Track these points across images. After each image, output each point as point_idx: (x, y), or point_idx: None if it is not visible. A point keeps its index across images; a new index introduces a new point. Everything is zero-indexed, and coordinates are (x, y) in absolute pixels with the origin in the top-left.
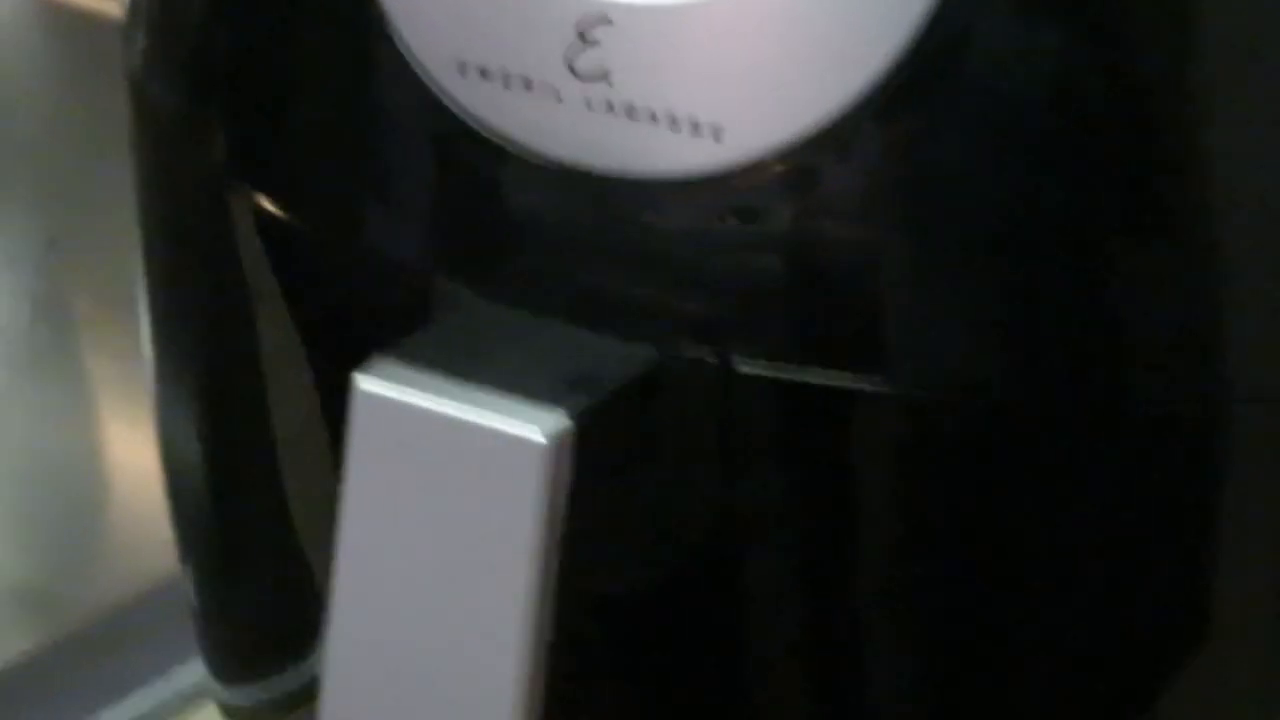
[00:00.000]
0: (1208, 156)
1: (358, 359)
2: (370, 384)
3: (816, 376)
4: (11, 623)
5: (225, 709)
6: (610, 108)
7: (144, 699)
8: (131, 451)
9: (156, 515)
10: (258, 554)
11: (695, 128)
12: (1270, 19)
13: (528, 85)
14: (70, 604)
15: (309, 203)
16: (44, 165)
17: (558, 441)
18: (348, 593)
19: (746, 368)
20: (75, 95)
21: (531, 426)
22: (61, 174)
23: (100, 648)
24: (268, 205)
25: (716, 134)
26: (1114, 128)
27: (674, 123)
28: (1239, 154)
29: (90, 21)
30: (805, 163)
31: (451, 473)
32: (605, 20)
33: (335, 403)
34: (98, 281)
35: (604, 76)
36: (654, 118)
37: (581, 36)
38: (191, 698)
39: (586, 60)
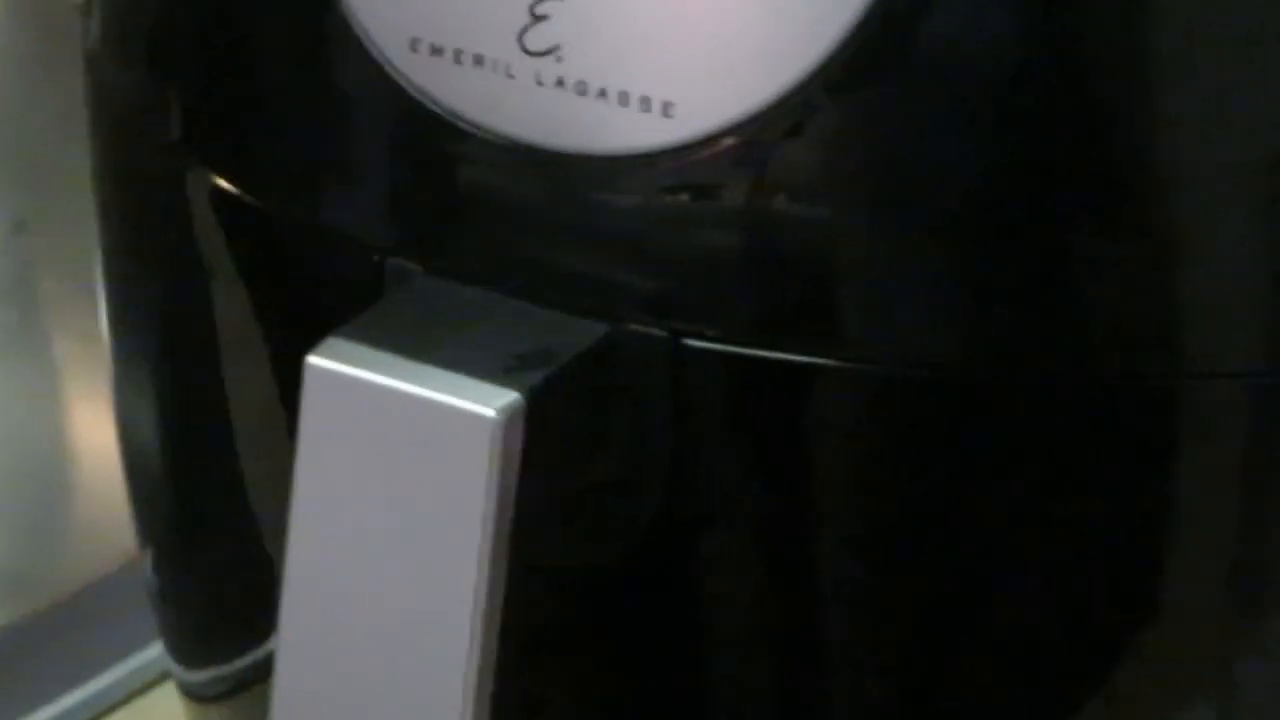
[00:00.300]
0: (1164, 129)
1: (313, 338)
2: (322, 361)
3: (767, 351)
4: None
5: (184, 688)
6: (560, 83)
7: (106, 679)
8: (97, 433)
9: (121, 497)
10: (214, 536)
11: (645, 103)
12: None
13: (479, 61)
14: (34, 585)
15: (264, 180)
16: (11, 147)
17: (508, 416)
18: (300, 572)
19: (697, 343)
20: (44, 76)
21: (482, 402)
22: (29, 156)
23: (63, 629)
24: (223, 183)
25: (667, 109)
26: (1067, 101)
27: (624, 98)
28: (1194, 127)
29: (57, 1)
30: (756, 138)
31: (403, 449)
32: None
33: (290, 382)
34: (65, 264)
35: (554, 52)
36: (604, 94)
37: (532, 12)
38: (153, 678)
39: (537, 36)
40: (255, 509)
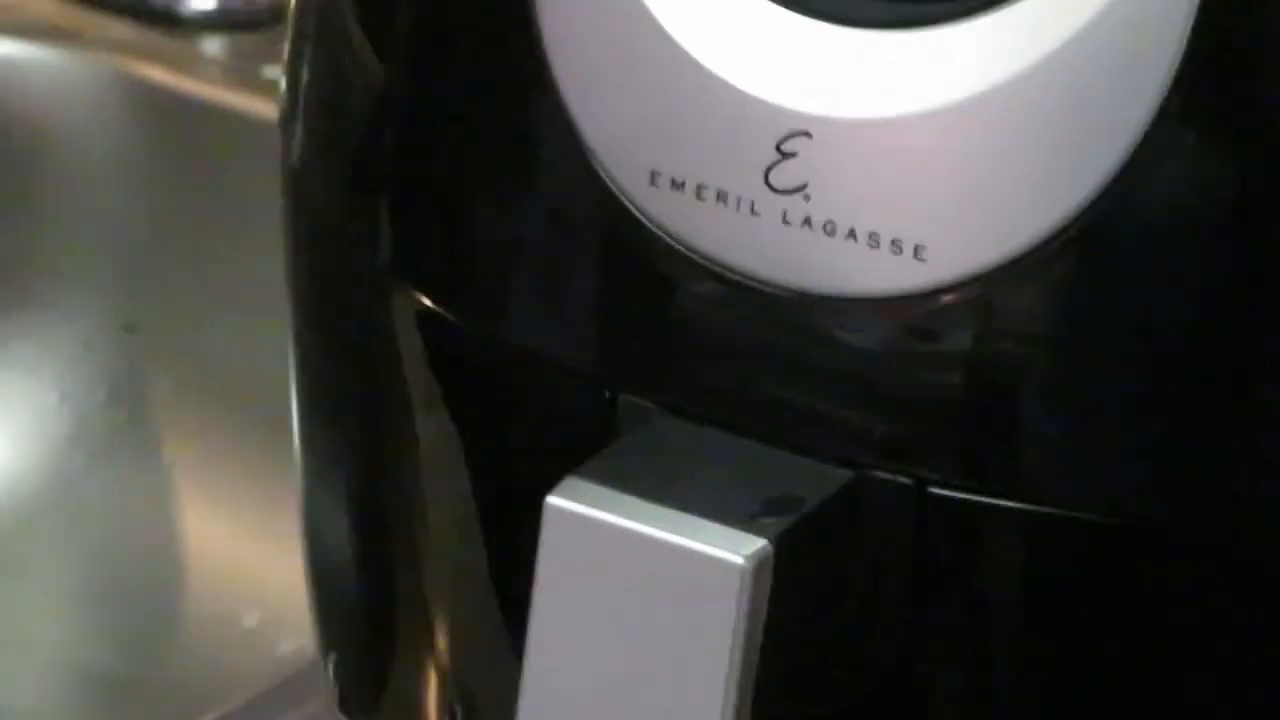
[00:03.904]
0: None
1: (535, 472)
2: (563, 502)
3: (1011, 501)
4: (90, 707)
5: None
6: (808, 222)
7: None
8: (208, 534)
9: (234, 598)
10: (403, 655)
11: (896, 246)
12: None
13: (722, 197)
14: (149, 688)
15: (479, 306)
16: (123, 248)
17: (757, 563)
18: (535, 714)
19: (943, 491)
20: (157, 176)
21: (731, 549)
22: (139, 257)
23: None
24: (433, 305)
25: (918, 253)
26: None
27: (874, 240)
28: None
29: (173, 101)
30: (1007, 285)
31: (646, 593)
32: (804, 133)
33: (495, 509)
34: (175, 364)
35: (801, 190)
36: (853, 234)
37: (779, 149)
38: None
39: (783, 173)
40: (448, 636)
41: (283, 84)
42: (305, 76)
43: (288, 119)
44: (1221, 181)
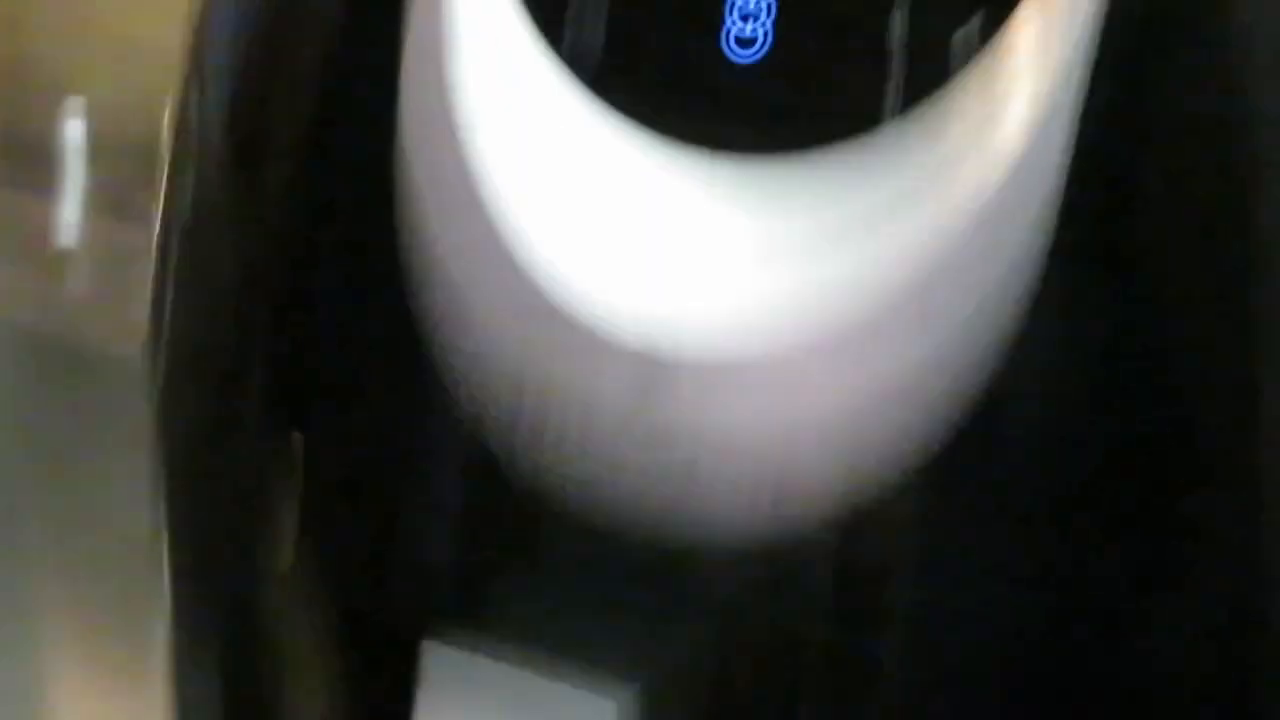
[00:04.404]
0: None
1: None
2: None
3: None
4: None
5: None
6: (670, 467)
7: None
8: None
9: None
10: None
11: (758, 489)
12: None
13: (584, 441)
14: None
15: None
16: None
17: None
18: None
19: None
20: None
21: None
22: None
23: None
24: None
25: (779, 496)
26: (1168, 491)
27: (735, 483)
28: None
29: (69, 355)
30: (860, 526)
31: None
32: (665, 376)
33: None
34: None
35: (663, 433)
36: (715, 477)
37: (642, 392)
38: None
39: (646, 417)
40: None
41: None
42: (169, 301)
43: (151, 350)
44: (1079, 416)
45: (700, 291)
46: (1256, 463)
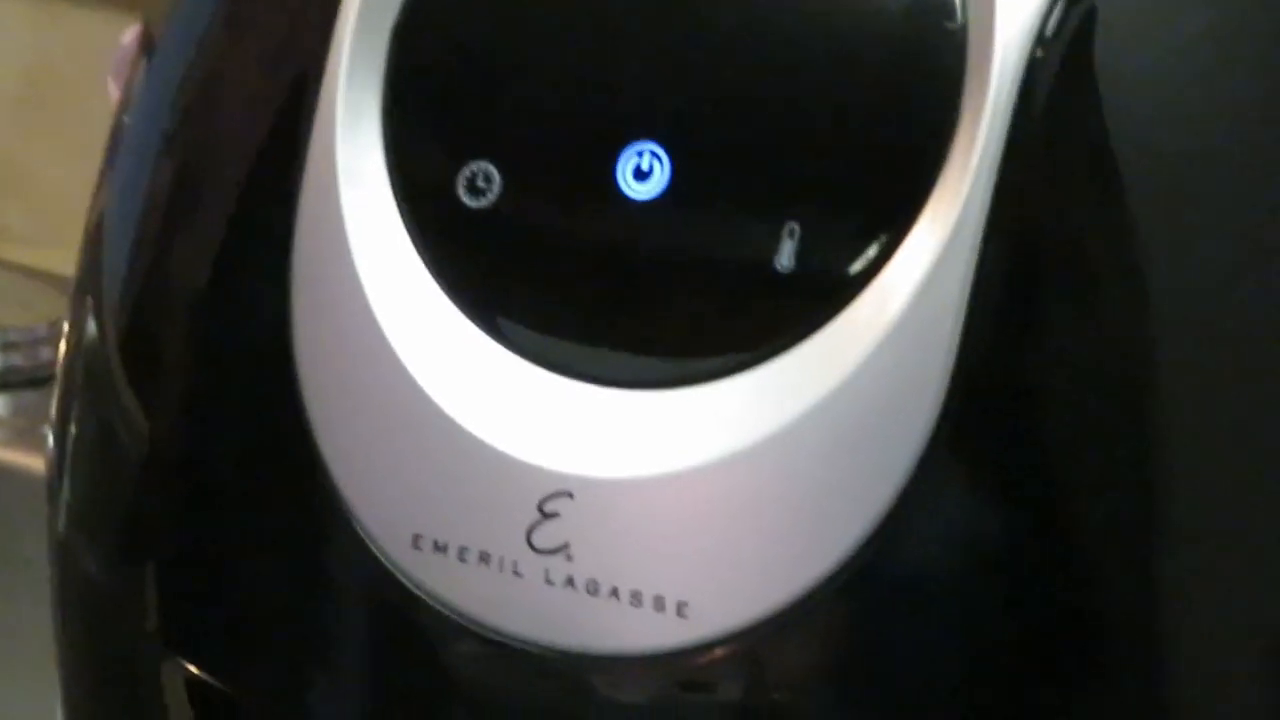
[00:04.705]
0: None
1: None
2: None
3: None
4: None
5: None
6: (570, 582)
7: None
8: None
9: None
10: None
11: (659, 603)
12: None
13: (484, 559)
14: None
15: (248, 674)
16: None
17: None
18: None
19: None
20: None
21: None
22: None
23: None
24: (203, 675)
25: (680, 610)
26: (1058, 622)
27: (637, 598)
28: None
29: None
30: (769, 640)
31: None
32: (565, 493)
33: None
34: None
35: (563, 550)
36: (615, 593)
37: (541, 509)
38: None
39: (545, 533)
40: None
41: (49, 446)
42: (71, 439)
43: (54, 484)
44: (986, 522)
45: (597, 412)
46: (1154, 575)
